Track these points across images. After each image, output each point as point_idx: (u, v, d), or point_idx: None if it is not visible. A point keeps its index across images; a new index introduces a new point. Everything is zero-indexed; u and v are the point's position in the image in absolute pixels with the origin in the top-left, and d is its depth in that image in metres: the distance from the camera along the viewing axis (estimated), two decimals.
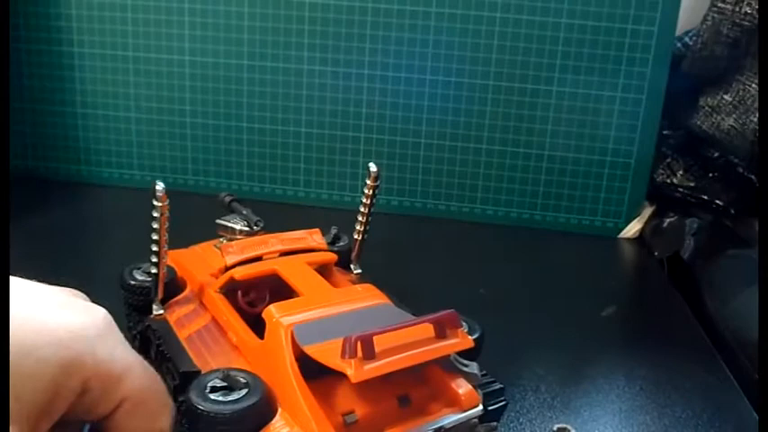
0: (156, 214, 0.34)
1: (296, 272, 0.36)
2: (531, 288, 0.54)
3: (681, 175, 0.64)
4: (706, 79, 0.61)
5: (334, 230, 0.42)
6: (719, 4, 0.57)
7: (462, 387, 0.30)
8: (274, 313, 0.31)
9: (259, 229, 0.40)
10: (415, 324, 0.28)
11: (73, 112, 0.66)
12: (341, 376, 0.27)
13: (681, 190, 0.64)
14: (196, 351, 0.33)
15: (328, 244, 0.40)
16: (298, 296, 0.34)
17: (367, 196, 0.39)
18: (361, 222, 0.40)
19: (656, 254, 0.61)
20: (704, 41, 0.59)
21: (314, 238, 0.40)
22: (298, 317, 0.31)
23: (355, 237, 0.40)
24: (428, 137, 0.63)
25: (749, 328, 0.46)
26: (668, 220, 0.63)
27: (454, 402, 0.30)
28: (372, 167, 0.38)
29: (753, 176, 0.61)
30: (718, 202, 0.63)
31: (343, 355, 0.26)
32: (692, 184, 0.64)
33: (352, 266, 0.41)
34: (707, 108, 0.61)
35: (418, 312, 0.32)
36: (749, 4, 0.55)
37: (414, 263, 0.56)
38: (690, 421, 0.39)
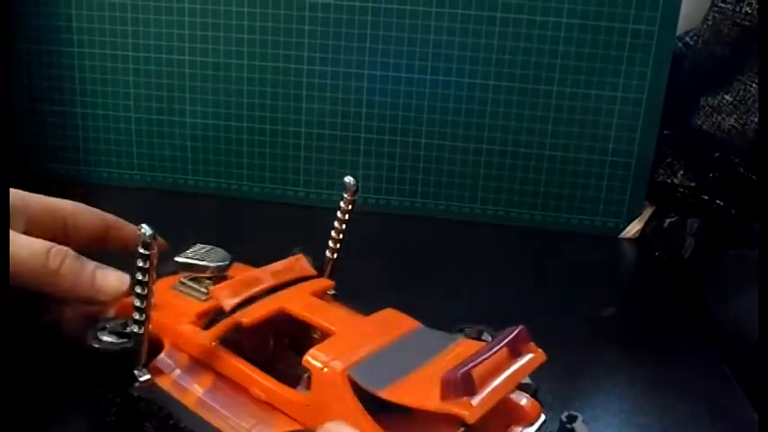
0: (141, 264, 0.29)
1: (307, 307, 0.33)
2: (530, 288, 0.54)
3: (681, 175, 0.64)
4: (706, 79, 0.61)
5: (297, 251, 0.38)
6: (720, 4, 0.57)
7: (524, 399, 0.29)
8: (319, 360, 0.28)
9: (228, 263, 0.35)
10: (499, 350, 0.27)
11: (73, 112, 0.66)
12: (394, 413, 0.26)
13: (681, 190, 0.64)
14: (218, 416, 0.29)
15: None
16: (318, 334, 0.31)
17: (344, 212, 0.36)
18: (335, 240, 0.37)
19: (656, 254, 0.61)
20: (705, 41, 0.59)
21: (301, 264, 0.36)
22: (345, 359, 0.28)
23: (328, 255, 0.37)
24: (428, 137, 0.63)
25: (750, 327, 0.46)
26: (669, 220, 0.63)
27: (520, 418, 0.28)
28: (350, 180, 0.36)
29: (753, 176, 0.61)
30: (718, 202, 0.63)
31: (446, 396, 0.25)
32: (692, 184, 0.64)
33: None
34: (707, 108, 0.61)
35: (428, 321, 0.32)
36: (749, 4, 0.55)
37: (414, 263, 0.56)
38: (690, 421, 0.38)
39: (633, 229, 0.63)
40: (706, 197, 0.63)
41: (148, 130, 0.66)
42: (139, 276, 0.29)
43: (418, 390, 0.26)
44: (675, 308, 0.52)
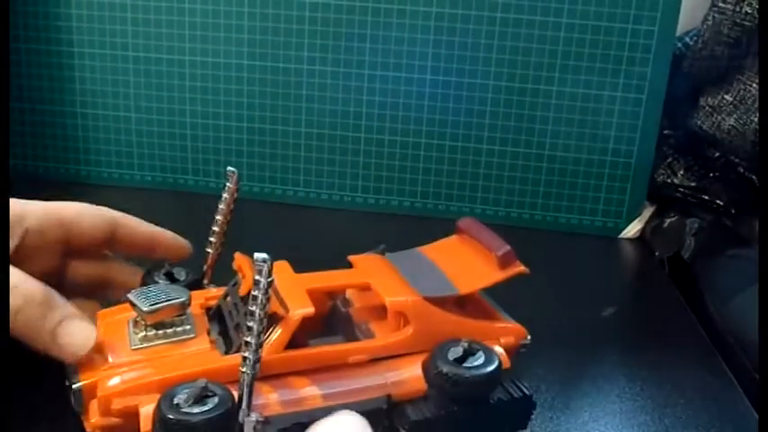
0: (257, 293, 0.27)
1: (319, 278, 0.34)
2: (530, 288, 0.54)
3: (681, 174, 0.64)
4: (706, 79, 0.61)
5: (169, 268, 0.37)
6: (720, 4, 0.57)
7: (510, 322, 0.35)
8: (399, 298, 0.32)
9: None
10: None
11: (73, 112, 0.66)
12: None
13: (681, 190, 0.64)
14: (347, 394, 0.30)
15: (182, 282, 0.36)
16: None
17: (227, 203, 0.36)
18: (217, 233, 0.37)
19: (656, 254, 0.61)
20: (705, 41, 0.59)
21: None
22: (408, 291, 0.33)
23: (209, 251, 0.37)
24: (428, 137, 0.63)
25: (749, 327, 0.46)
26: (669, 220, 0.63)
27: (509, 333, 0.35)
28: (231, 169, 0.36)
29: (753, 176, 0.61)
30: (718, 201, 0.63)
31: (505, 266, 0.35)
32: (692, 184, 0.64)
33: (205, 283, 0.37)
34: (707, 108, 0.61)
35: None
36: (750, 4, 0.55)
37: None
38: (690, 421, 0.38)
39: (633, 229, 0.63)
40: (706, 197, 0.63)
41: (148, 130, 0.66)
42: (254, 308, 0.27)
43: (472, 276, 0.34)
44: (675, 308, 0.52)
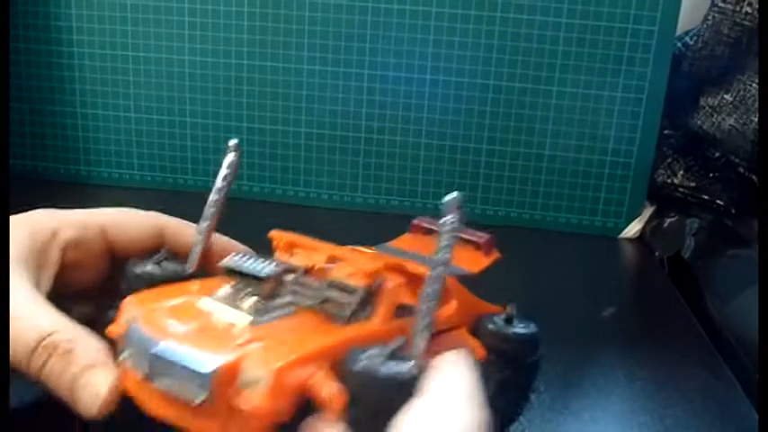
0: (444, 242, 0.27)
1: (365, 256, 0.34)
2: (530, 288, 0.54)
3: (681, 175, 0.64)
4: (706, 79, 0.61)
5: (163, 255, 0.32)
6: (720, 4, 0.57)
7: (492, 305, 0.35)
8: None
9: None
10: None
11: (73, 112, 0.66)
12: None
13: (681, 190, 0.64)
14: (454, 339, 0.31)
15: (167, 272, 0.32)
16: None
17: (228, 180, 0.34)
18: (213, 213, 0.33)
19: (656, 254, 0.61)
20: (705, 41, 0.59)
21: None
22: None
23: (205, 225, 0.33)
24: (428, 137, 0.63)
25: (750, 327, 0.46)
26: (669, 220, 0.63)
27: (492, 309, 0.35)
28: (234, 141, 0.34)
29: (753, 176, 0.61)
30: (718, 202, 0.63)
31: (488, 254, 0.36)
32: (692, 184, 0.64)
33: (189, 271, 0.32)
34: (707, 108, 0.61)
35: None
36: (750, 4, 0.55)
37: None
38: (690, 421, 0.38)
39: (633, 229, 0.63)
40: (706, 197, 0.63)
41: (148, 130, 0.66)
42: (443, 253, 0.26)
43: (462, 262, 0.34)
44: (675, 308, 0.52)
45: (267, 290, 0.27)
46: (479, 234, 0.37)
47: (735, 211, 0.62)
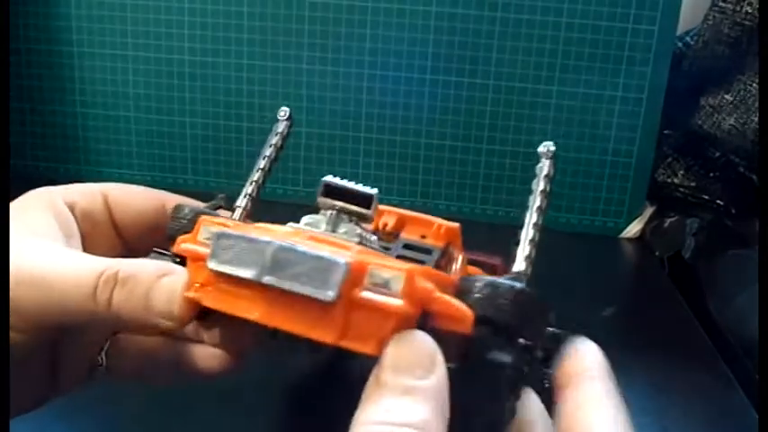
0: (543, 187, 0.27)
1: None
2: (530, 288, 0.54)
3: (681, 174, 0.64)
4: (707, 79, 0.61)
5: (219, 201, 0.32)
6: (720, 4, 0.57)
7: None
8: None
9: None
10: None
11: (73, 112, 0.66)
12: None
13: (681, 190, 0.64)
14: None
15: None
16: None
17: (277, 144, 0.32)
18: (263, 171, 0.32)
19: (656, 254, 0.61)
20: (705, 41, 0.59)
21: None
22: None
23: (249, 191, 0.32)
24: (428, 137, 0.63)
25: (750, 327, 0.46)
26: (669, 220, 0.63)
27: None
28: (285, 108, 0.32)
29: (753, 176, 0.61)
30: (718, 201, 0.63)
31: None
32: (692, 184, 0.64)
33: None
34: (708, 108, 0.61)
35: None
36: (750, 4, 0.55)
37: None
38: (690, 422, 0.38)
39: (633, 229, 0.63)
40: (706, 197, 0.63)
41: (148, 130, 0.66)
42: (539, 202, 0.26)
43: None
44: (675, 308, 0.52)
45: (370, 216, 0.25)
46: (491, 257, 0.37)
47: (735, 211, 0.62)
